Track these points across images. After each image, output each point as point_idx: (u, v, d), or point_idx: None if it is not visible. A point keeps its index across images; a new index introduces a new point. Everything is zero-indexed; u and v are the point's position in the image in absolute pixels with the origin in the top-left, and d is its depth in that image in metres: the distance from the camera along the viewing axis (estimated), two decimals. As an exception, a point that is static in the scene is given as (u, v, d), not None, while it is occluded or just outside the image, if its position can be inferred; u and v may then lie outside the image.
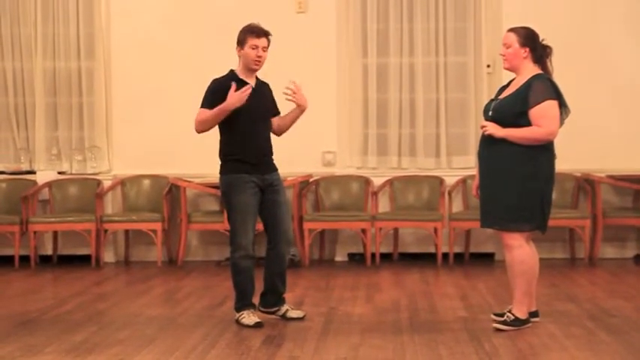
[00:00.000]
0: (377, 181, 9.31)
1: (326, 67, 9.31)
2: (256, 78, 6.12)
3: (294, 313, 6.18)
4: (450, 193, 9.09)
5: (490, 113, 5.73)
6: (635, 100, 9.22)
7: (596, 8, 9.24)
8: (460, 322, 6.00)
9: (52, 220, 9.14)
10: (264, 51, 6.03)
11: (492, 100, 5.86)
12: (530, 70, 5.72)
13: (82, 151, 9.63)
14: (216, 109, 5.86)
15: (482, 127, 5.71)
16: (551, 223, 8.78)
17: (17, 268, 8.96)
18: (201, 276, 8.36)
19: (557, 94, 5.66)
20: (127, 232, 9.41)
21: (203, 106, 5.97)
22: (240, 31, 6.06)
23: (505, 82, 5.98)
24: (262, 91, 6.11)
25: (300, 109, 6.17)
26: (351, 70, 9.44)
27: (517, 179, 5.61)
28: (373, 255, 8.90)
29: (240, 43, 6.02)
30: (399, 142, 9.44)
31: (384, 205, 9.32)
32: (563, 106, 5.71)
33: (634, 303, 6.63)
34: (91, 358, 5.13)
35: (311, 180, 9.32)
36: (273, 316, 6.14)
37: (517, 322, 5.68)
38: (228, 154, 6.01)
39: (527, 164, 5.61)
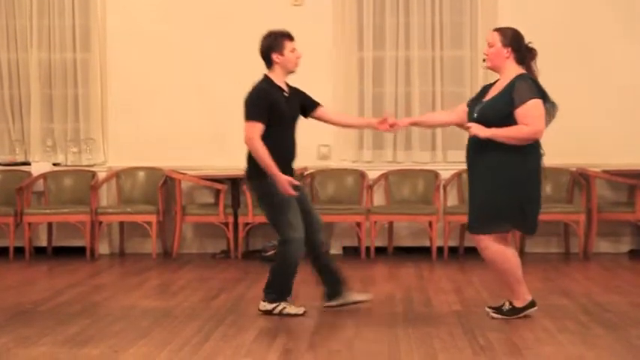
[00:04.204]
0: (372, 175, 9.31)
1: (322, 61, 9.28)
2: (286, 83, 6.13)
3: (359, 296, 6.27)
4: (445, 187, 9.09)
5: (475, 116, 5.72)
6: (631, 96, 9.22)
7: (591, 5, 9.24)
8: (454, 315, 6.01)
9: (47, 211, 9.13)
10: None
11: (474, 100, 5.87)
12: (513, 70, 5.72)
13: (77, 142, 9.62)
14: (270, 165, 5.83)
15: (467, 127, 5.72)
16: (545, 217, 8.83)
17: (12, 259, 8.96)
18: (196, 268, 8.36)
19: (541, 93, 5.64)
20: (121, 224, 9.40)
21: (255, 119, 5.89)
22: (271, 38, 6.03)
23: (492, 81, 5.98)
24: (294, 97, 6.12)
25: (374, 128, 6.36)
26: (347, 63, 9.43)
27: (497, 183, 5.62)
28: (368, 248, 8.90)
29: (278, 48, 6.00)
30: (395, 136, 9.43)
31: (379, 198, 9.32)
32: (549, 103, 5.69)
33: (628, 298, 6.64)
34: (86, 350, 5.13)
35: (306, 173, 9.31)
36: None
37: (513, 311, 5.76)
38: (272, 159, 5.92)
39: (509, 168, 5.62)
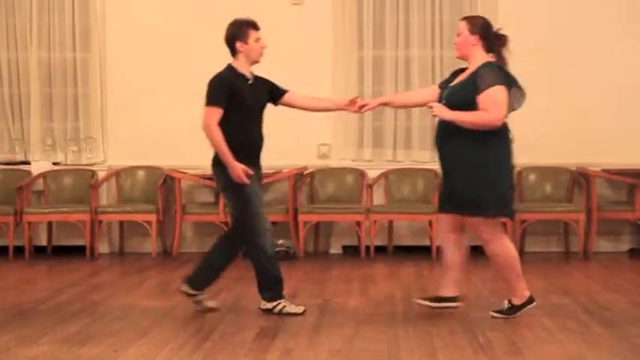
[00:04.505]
0: (372, 174, 9.31)
1: (321, 60, 9.31)
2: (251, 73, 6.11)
3: (211, 303, 6.22)
4: (445, 186, 9.08)
5: (443, 102, 5.75)
6: (631, 96, 9.23)
7: (591, 5, 9.25)
8: (454, 314, 6.01)
9: (47, 210, 9.13)
10: None
11: (445, 83, 5.91)
12: (481, 58, 5.74)
13: (77, 141, 9.62)
14: (225, 151, 5.83)
15: (429, 107, 5.73)
16: (545, 216, 8.93)
17: (11, 259, 8.95)
18: (196, 267, 8.35)
19: (506, 81, 5.64)
20: (121, 223, 9.41)
21: (214, 104, 5.88)
22: (236, 26, 6.02)
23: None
24: (259, 86, 6.08)
25: (344, 109, 6.28)
26: (346, 62, 9.43)
27: (469, 168, 5.64)
28: (368, 247, 8.90)
29: (242, 37, 5.98)
30: (395, 135, 9.45)
31: (379, 197, 9.32)
32: (516, 90, 5.67)
33: (628, 296, 6.65)
34: (86, 349, 5.13)
35: (306, 172, 9.32)
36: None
37: (512, 310, 5.81)
38: (229, 146, 5.89)
39: (478, 154, 5.63)
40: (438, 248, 8.79)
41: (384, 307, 6.33)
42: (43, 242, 9.42)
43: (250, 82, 6.03)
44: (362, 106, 6.13)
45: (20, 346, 5.21)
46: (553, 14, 9.18)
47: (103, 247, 9.37)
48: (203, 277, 6.18)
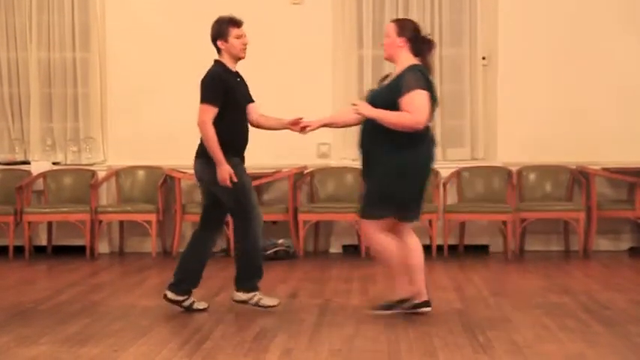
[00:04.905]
0: (372, 173, 9.30)
1: (321, 59, 9.30)
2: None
3: (200, 305, 6.22)
4: (444, 185, 9.09)
5: (368, 102, 5.80)
6: (631, 94, 9.23)
7: (591, 5, 9.24)
8: (454, 313, 6.01)
9: (47, 210, 9.13)
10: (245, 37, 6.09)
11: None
12: (407, 60, 5.76)
13: (76, 141, 9.63)
14: (218, 151, 5.82)
15: (353, 104, 5.78)
16: (545, 215, 8.93)
17: (11, 258, 8.95)
18: (196, 267, 8.34)
19: (427, 86, 5.65)
20: (121, 223, 9.41)
21: (210, 102, 5.89)
22: (217, 25, 6.09)
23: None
24: (242, 83, 6.14)
25: (288, 128, 6.23)
26: (346, 61, 9.43)
27: (380, 170, 5.70)
28: (368, 247, 8.89)
29: (222, 35, 6.03)
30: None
31: (378, 196, 9.30)
32: (432, 98, 5.70)
33: (628, 295, 6.65)
34: (86, 349, 5.12)
35: (306, 171, 9.32)
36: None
37: (421, 305, 5.89)
38: (221, 140, 5.90)
39: (395, 157, 5.66)
40: (438, 247, 8.84)
41: (384, 306, 6.33)
42: (43, 242, 9.42)
43: (238, 79, 6.09)
44: (304, 127, 6.13)
45: (20, 346, 5.20)
46: (553, 14, 9.17)
47: (103, 247, 9.37)
48: (184, 282, 6.19)
